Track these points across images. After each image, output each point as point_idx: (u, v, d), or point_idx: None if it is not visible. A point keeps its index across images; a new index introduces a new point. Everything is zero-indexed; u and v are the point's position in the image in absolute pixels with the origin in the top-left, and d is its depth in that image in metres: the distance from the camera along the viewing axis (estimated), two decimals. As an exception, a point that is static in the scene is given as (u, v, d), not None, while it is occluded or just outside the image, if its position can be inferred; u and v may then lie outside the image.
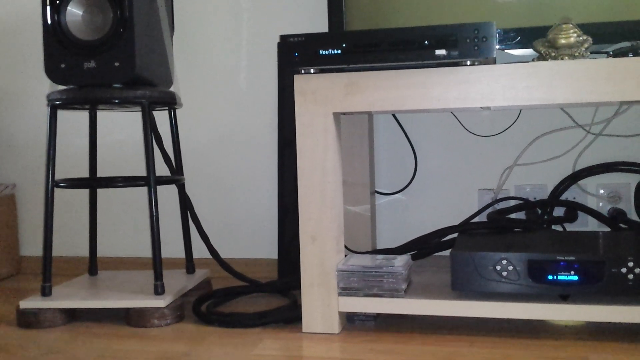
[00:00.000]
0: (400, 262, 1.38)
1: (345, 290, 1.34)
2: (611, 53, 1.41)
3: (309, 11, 1.88)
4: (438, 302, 1.30)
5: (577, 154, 1.72)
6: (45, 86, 2.05)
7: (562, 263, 1.25)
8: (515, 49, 1.46)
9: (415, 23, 1.52)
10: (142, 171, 2.02)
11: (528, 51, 1.48)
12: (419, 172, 1.83)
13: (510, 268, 1.27)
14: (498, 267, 1.28)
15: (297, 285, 1.59)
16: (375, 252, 1.64)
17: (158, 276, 1.47)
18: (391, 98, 1.29)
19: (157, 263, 1.46)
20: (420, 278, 1.49)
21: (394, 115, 1.83)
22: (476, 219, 1.73)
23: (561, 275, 1.25)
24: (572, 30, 1.26)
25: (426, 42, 1.22)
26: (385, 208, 1.86)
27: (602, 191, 1.70)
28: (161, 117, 1.94)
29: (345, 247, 1.75)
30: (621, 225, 1.60)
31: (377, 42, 1.25)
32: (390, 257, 1.43)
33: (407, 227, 1.85)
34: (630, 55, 1.32)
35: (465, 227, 1.57)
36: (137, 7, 1.44)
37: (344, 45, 1.26)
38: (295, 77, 1.33)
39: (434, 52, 1.22)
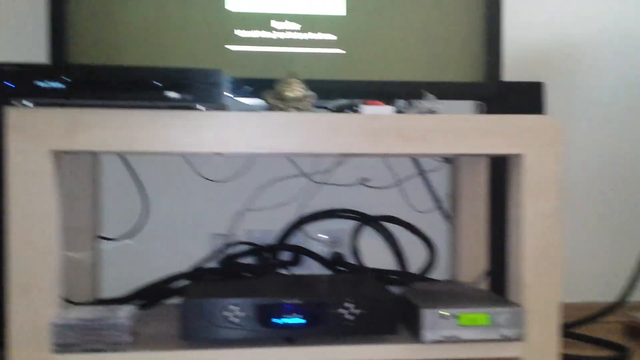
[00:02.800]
0: (125, 312, 1.29)
1: (62, 347, 1.21)
2: (332, 108, 1.53)
3: (27, 38, 1.72)
4: (167, 353, 1.24)
5: (302, 201, 1.81)
6: None
7: (288, 306, 1.28)
8: (248, 97, 1.50)
9: (148, 63, 1.48)
10: None
11: (260, 101, 1.53)
12: (149, 217, 1.76)
13: (240, 314, 1.27)
14: (228, 314, 1.27)
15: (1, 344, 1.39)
16: (99, 302, 1.52)
17: None
18: (119, 138, 1.22)
19: None
20: (149, 328, 1.41)
21: (123, 157, 1.74)
22: (208, 265, 1.71)
23: (287, 318, 1.28)
24: (298, 85, 1.34)
25: (157, 83, 1.19)
26: (113, 255, 1.75)
27: (323, 236, 1.82)
28: None
29: (65, 299, 1.59)
30: (340, 267, 1.72)
31: (105, 78, 1.18)
32: (114, 308, 1.33)
33: (136, 274, 1.75)
34: (348, 111, 1.44)
35: (197, 273, 1.54)
36: None
37: (67, 79, 1.16)
38: (7, 109, 1.19)
39: (165, 93, 1.19)
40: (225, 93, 1.26)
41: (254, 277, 1.53)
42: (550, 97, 1.93)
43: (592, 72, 1.96)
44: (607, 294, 1.95)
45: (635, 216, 1.96)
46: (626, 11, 1.96)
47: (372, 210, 1.83)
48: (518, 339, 1.32)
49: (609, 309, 1.70)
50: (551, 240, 1.35)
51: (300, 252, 1.73)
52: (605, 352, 1.58)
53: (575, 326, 1.73)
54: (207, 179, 1.78)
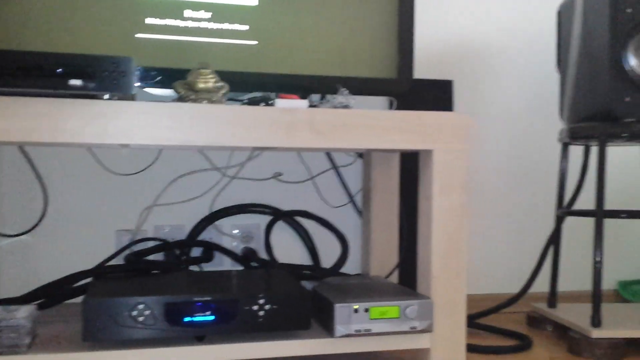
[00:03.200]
0: (23, 313, 1.21)
1: (-49, 353, 1.12)
2: (246, 101, 1.50)
3: None
4: (69, 355, 1.18)
5: (214, 195, 1.78)
6: None
7: (198, 304, 1.25)
8: (157, 88, 1.45)
9: (52, 49, 1.40)
10: None
11: (169, 91, 1.48)
12: (50, 212, 1.67)
13: (147, 312, 1.22)
14: (134, 313, 1.22)
15: None
16: (-6, 303, 1.43)
17: None
18: (16, 128, 1.14)
19: None
20: (50, 329, 1.33)
21: (21, 148, 1.64)
22: (113, 262, 1.65)
23: (197, 316, 1.25)
24: (210, 76, 1.30)
25: (59, 70, 1.12)
26: (10, 252, 1.65)
27: (236, 231, 1.79)
28: None
29: (-45, 299, 1.48)
30: (253, 263, 1.70)
31: (3, 64, 1.10)
32: (11, 309, 1.25)
33: (35, 272, 1.66)
34: (263, 104, 1.42)
35: (101, 271, 1.47)
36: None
37: (-43, 62, 1.08)
38: None
39: (68, 81, 1.13)
40: (133, 82, 1.21)
41: (162, 275, 1.48)
42: (459, 95, 1.98)
43: (498, 70, 2.03)
44: (511, 286, 2.03)
45: (538, 210, 2.06)
46: (530, 12, 2.05)
47: (285, 205, 1.82)
48: (427, 330, 1.35)
49: (512, 300, 1.77)
50: (458, 233, 1.38)
51: (211, 248, 1.69)
52: (509, 342, 1.64)
53: (481, 317, 1.79)
54: (113, 172, 1.71)
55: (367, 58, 1.58)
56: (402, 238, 1.75)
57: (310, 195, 1.84)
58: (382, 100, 1.89)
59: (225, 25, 1.48)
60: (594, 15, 1.60)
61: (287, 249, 1.82)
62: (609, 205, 2.10)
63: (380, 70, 1.58)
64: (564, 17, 1.76)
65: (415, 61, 1.70)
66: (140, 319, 1.22)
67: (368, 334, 1.32)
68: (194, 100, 1.29)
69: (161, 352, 1.22)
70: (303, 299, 1.30)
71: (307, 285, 1.54)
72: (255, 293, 1.28)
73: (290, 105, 1.34)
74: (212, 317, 1.25)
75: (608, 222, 2.11)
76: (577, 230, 2.09)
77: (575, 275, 2.09)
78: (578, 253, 2.09)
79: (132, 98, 1.24)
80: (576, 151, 2.03)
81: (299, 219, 1.81)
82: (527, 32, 2.05)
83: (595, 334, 1.51)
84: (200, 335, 1.28)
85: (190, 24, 1.46)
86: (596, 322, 1.53)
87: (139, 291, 1.26)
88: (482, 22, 2.01)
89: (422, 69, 1.95)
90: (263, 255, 1.78)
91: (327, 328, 1.34)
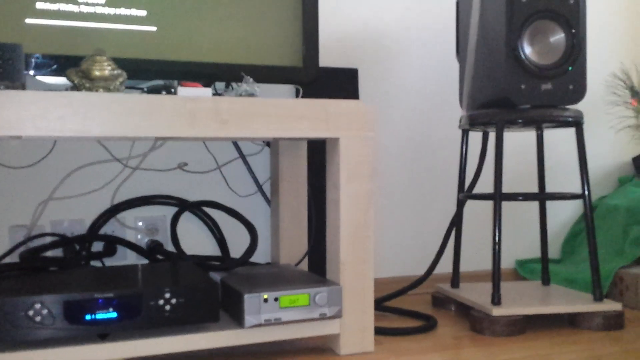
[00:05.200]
0: None
1: None
2: (145, 90, 1.45)
3: None
4: (-44, 362, 1.10)
5: (115, 188, 1.71)
6: None
7: (99, 301, 1.20)
8: (49, 76, 1.37)
9: None
10: None
11: (62, 80, 1.41)
12: None
13: (45, 312, 1.17)
14: (31, 313, 1.16)
15: None
16: None
17: None
18: None
19: None
20: None
21: None
22: (7, 260, 1.55)
23: (100, 313, 1.20)
24: (106, 63, 1.25)
25: (-63, 56, 1.04)
26: None
27: (140, 224, 1.73)
28: None
29: None
30: (158, 256, 1.65)
31: None
32: None
33: None
34: (164, 92, 1.38)
35: (-7, 271, 1.38)
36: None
37: None
38: None
39: (-53, 68, 1.05)
40: (22, 70, 1.14)
41: (60, 272, 1.42)
42: (365, 83, 2.01)
43: (401, 59, 2.07)
44: (417, 268, 2.09)
45: (440, 195, 2.12)
46: (431, 1, 2.10)
47: (192, 196, 1.78)
48: (336, 316, 1.36)
49: (417, 282, 1.82)
50: (365, 220, 1.40)
51: (113, 242, 1.63)
52: (415, 323, 1.69)
53: (388, 300, 1.83)
54: (4, 165, 1.61)
55: (273, 46, 1.56)
56: (311, 226, 1.76)
57: (217, 185, 1.81)
58: (289, 88, 1.88)
59: (122, 11, 1.42)
60: (490, 5, 1.65)
61: (195, 240, 1.79)
62: (506, 188, 2.20)
63: (286, 59, 1.57)
64: (462, 7, 1.81)
65: (321, 49, 1.70)
66: (38, 318, 1.16)
67: (278, 323, 1.31)
68: (89, 89, 1.23)
69: (62, 352, 1.17)
70: (211, 290, 1.28)
71: (216, 276, 1.52)
72: (160, 287, 1.25)
73: (193, 93, 1.30)
74: (114, 314, 1.21)
75: (506, 204, 2.21)
76: (477, 213, 2.18)
77: (476, 255, 2.18)
78: (478, 234, 2.18)
79: (21, 87, 1.17)
80: (476, 137, 2.11)
81: (207, 209, 1.78)
82: (428, 22, 2.10)
83: (496, 312, 1.57)
84: (104, 333, 1.23)
85: (84, 8, 1.39)
86: (496, 300, 1.60)
87: (35, 290, 1.20)
88: (385, 11, 2.04)
89: (328, 57, 1.95)
90: (170, 247, 1.74)
91: (236, 319, 1.33)
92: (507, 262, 2.23)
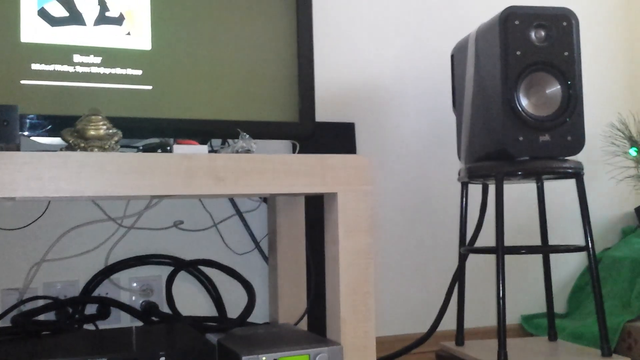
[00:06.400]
0: None
1: None
2: (141, 148, 1.44)
3: None
4: None
5: (109, 248, 1.68)
6: None
7: (92, 367, 1.16)
8: (43, 136, 1.36)
9: None
10: None
11: (57, 140, 1.40)
12: None
13: (35, 380, 1.12)
14: (20, 381, 1.11)
15: None
16: None
17: None
18: None
19: None
20: None
21: None
22: (-2, 325, 1.51)
23: (92, 380, 1.15)
24: (101, 123, 1.24)
25: None
26: None
27: (134, 284, 1.69)
28: None
29: None
30: (153, 318, 1.61)
31: None
32: None
33: None
34: (159, 150, 1.37)
35: (-18, 337, 1.34)
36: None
37: None
38: None
39: (-63, 130, 1.04)
40: (17, 132, 1.13)
41: (54, 336, 1.37)
42: (361, 136, 2.00)
43: (397, 111, 2.07)
44: (420, 326, 2.04)
45: (443, 248, 2.09)
46: (425, 54, 2.12)
47: (188, 255, 1.75)
48: (338, 378, 1.31)
49: (421, 340, 1.77)
50: (365, 276, 1.37)
51: (107, 304, 1.59)
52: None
53: (391, 359, 1.77)
54: (-2, 227, 1.59)
55: (268, 102, 1.56)
56: (310, 283, 1.72)
57: (214, 243, 1.78)
58: (285, 143, 1.87)
59: (117, 70, 1.42)
60: (485, 57, 1.66)
61: (191, 300, 1.74)
62: (508, 241, 2.16)
63: (282, 114, 1.57)
64: (457, 60, 1.83)
65: (317, 104, 1.70)
66: (26, 388, 1.11)
67: (277, 386, 1.26)
68: (84, 149, 1.22)
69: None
70: (207, 353, 1.24)
71: (213, 338, 1.47)
72: (155, 350, 1.20)
73: (189, 151, 1.29)
74: (107, 381, 1.16)
75: (509, 258, 2.17)
76: (481, 267, 2.14)
77: (480, 311, 2.13)
78: (482, 289, 2.14)
79: (16, 148, 1.16)
80: (476, 189, 2.09)
81: (203, 268, 1.74)
82: (423, 74, 2.11)
83: (503, 370, 1.52)
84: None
85: (79, 69, 1.40)
86: (503, 358, 1.55)
87: (28, 355, 1.16)
88: (379, 65, 2.06)
89: (325, 112, 1.95)
90: (165, 308, 1.69)
91: (234, 383, 1.28)
92: (513, 317, 2.18)
